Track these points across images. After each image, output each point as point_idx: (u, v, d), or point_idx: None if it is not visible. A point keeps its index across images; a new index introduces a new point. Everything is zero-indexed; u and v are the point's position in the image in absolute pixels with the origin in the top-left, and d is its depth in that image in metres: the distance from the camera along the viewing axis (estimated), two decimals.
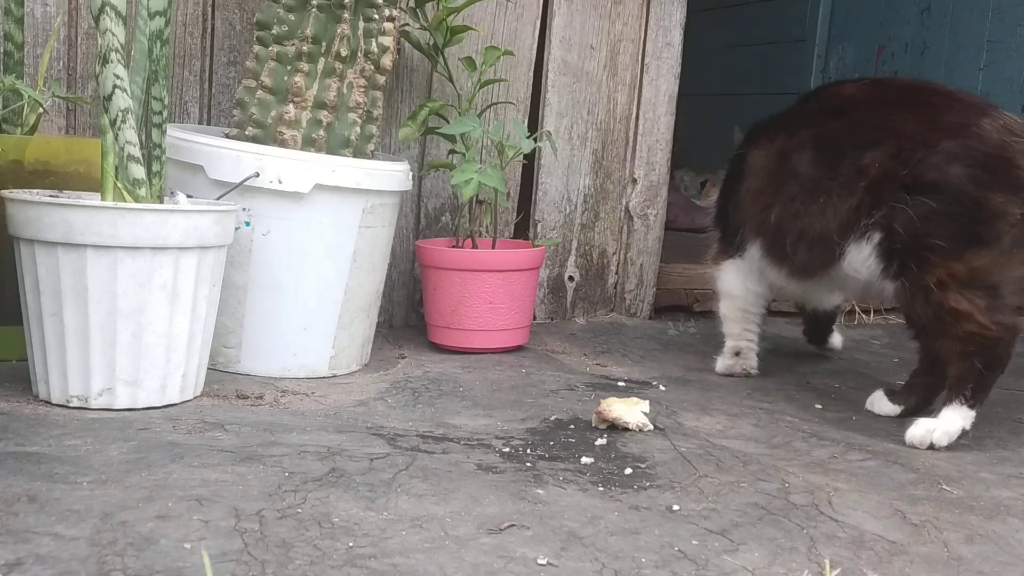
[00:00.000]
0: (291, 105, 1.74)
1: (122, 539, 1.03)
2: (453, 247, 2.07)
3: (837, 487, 1.35)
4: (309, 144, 1.75)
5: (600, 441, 1.50)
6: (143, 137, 1.52)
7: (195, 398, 1.57)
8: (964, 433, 1.57)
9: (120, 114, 1.45)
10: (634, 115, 2.42)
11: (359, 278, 1.78)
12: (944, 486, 1.39)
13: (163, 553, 1.00)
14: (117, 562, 0.98)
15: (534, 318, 2.27)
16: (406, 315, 2.25)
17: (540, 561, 1.05)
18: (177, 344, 1.51)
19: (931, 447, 1.55)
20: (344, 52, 1.74)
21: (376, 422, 1.52)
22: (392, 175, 1.79)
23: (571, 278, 2.40)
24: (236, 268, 1.69)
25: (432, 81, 2.19)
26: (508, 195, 2.24)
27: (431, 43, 2.01)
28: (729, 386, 1.92)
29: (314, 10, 1.72)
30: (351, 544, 1.06)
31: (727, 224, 1.97)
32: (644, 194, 2.45)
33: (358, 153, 1.80)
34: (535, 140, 2.05)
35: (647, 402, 1.59)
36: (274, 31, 1.74)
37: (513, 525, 1.14)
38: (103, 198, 1.49)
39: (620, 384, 1.87)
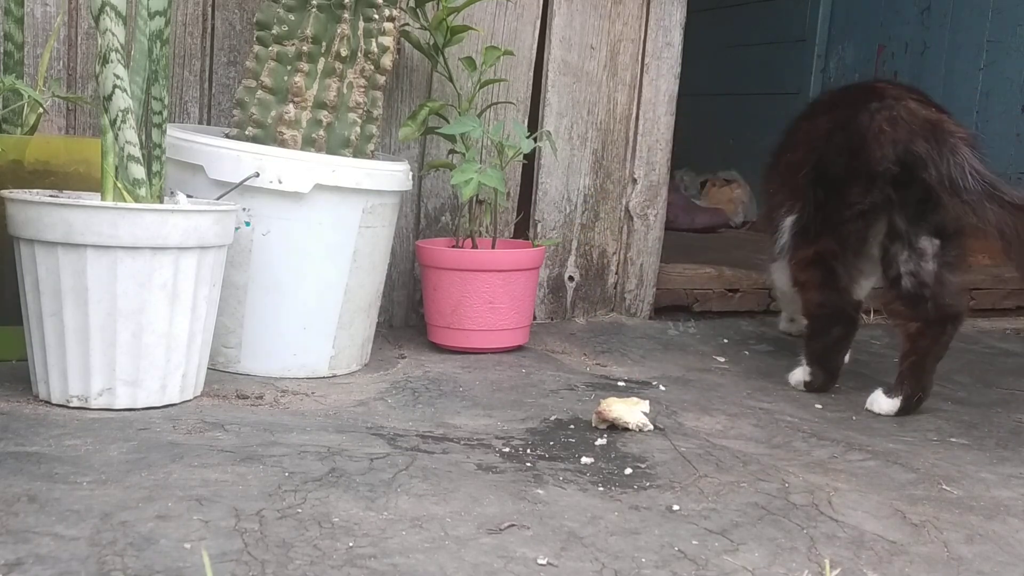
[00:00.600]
0: (291, 105, 1.74)
1: (122, 539, 1.03)
2: (453, 247, 2.07)
3: (837, 487, 1.35)
4: (309, 144, 1.75)
5: (600, 441, 1.50)
6: (143, 137, 1.52)
7: (195, 398, 1.57)
8: (807, 384, 1.89)
9: (120, 114, 1.45)
10: (634, 115, 2.42)
11: (359, 278, 1.78)
12: (944, 486, 1.39)
13: (163, 553, 1.00)
14: (117, 562, 0.98)
15: (534, 318, 2.27)
16: (406, 315, 2.25)
17: (540, 561, 1.05)
18: (177, 344, 1.51)
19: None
20: (344, 52, 1.74)
21: (376, 422, 1.52)
22: (392, 175, 1.79)
23: (571, 278, 2.40)
24: (236, 268, 1.69)
25: (432, 81, 2.19)
26: (508, 195, 2.24)
27: (431, 43, 2.01)
28: (729, 386, 1.92)
29: (314, 10, 1.72)
30: (351, 544, 1.06)
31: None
32: (644, 194, 2.45)
33: (358, 153, 1.80)
34: (535, 140, 2.05)
35: (647, 402, 1.59)
36: (274, 31, 1.74)
37: (513, 525, 1.14)
38: (103, 198, 1.49)
39: (620, 384, 1.87)
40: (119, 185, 1.48)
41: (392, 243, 1.91)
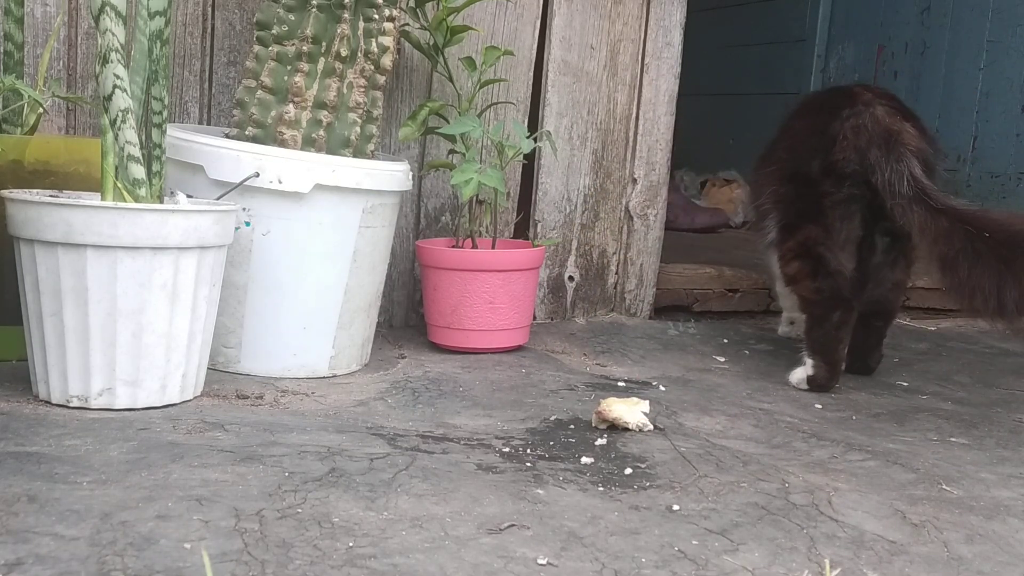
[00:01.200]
0: (291, 105, 1.74)
1: (122, 539, 1.03)
2: (453, 247, 2.07)
3: (837, 487, 1.35)
4: (309, 144, 1.75)
5: (600, 441, 1.50)
6: (143, 137, 1.52)
7: (195, 398, 1.57)
8: (810, 380, 1.91)
9: (120, 114, 1.45)
10: (634, 115, 2.42)
11: (359, 278, 1.78)
12: (944, 486, 1.39)
13: (163, 553, 1.00)
14: (117, 562, 0.98)
15: (534, 318, 2.27)
16: (406, 315, 2.25)
17: (540, 561, 1.05)
18: (177, 344, 1.51)
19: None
20: (344, 52, 1.74)
21: (376, 422, 1.52)
22: (392, 175, 1.79)
23: (571, 278, 2.40)
24: (236, 268, 1.69)
25: (432, 81, 2.19)
26: (508, 195, 2.24)
27: (431, 43, 2.01)
28: (729, 386, 1.92)
29: (314, 10, 1.72)
30: (351, 544, 1.06)
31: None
32: (644, 194, 2.45)
33: (358, 153, 1.80)
34: (535, 140, 2.05)
35: (647, 402, 1.59)
36: (274, 31, 1.74)
37: (513, 525, 1.14)
38: (103, 198, 1.49)
39: (620, 384, 1.87)
40: (119, 185, 1.48)
41: (392, 243, 1.91)
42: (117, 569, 0.96)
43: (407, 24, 1.96)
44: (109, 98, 1.45)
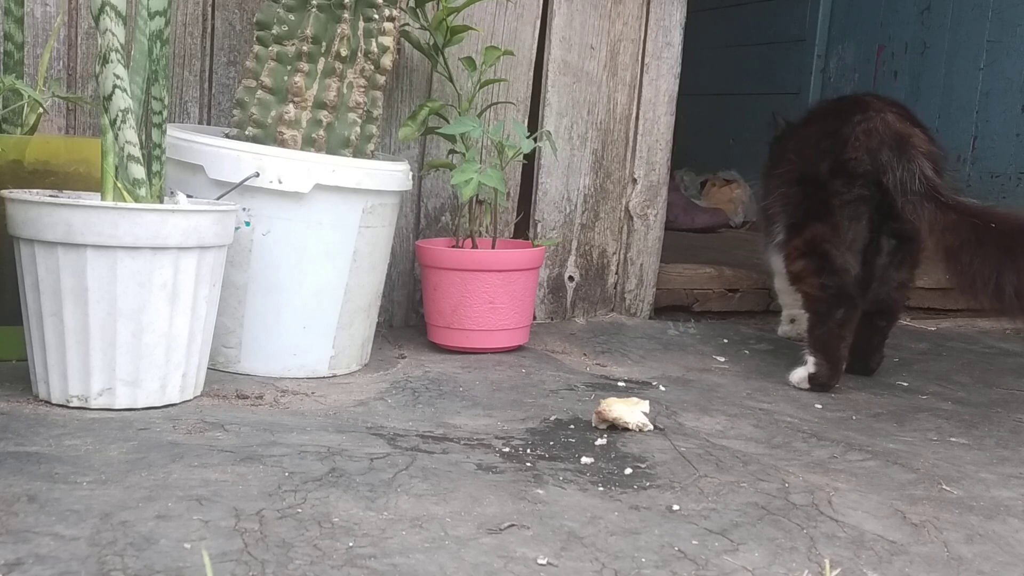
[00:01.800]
0: (291, 105, 1.74)
1: (122, 539, 1.03)
2: (453, 247, 2.07)
3: (837, 487, 1.35)
4: (309, 144, 1.75)
5: (600, 441, 1.50)
6: (143, 137, 1.52)
7: (195, 398, 1.57)
8: (812, 377, 1.92)
9: (120, 114, 1.45)
10: (634, 115, 2.42)
11: (359, 278, 1.78)
12: (944, 486, 1.39)
13: (163, 553, 1.00)
14: (117, 562, 0.98)
15: (534, 318, 2.27)
16: (406, 315, 2.25)
17: (540, 561, 1.05)
18: (177, 344, 1.51)
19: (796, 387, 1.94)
20: (344, 52, 1.74)
21: (376, 422, 1.52)
22: (392, 175, 1.79)
23: (571, 278, 2.40)
24: (236, 268, 1.69)
25: (432, 81, 2.19)
26: (508, 195, 2.24)
27: (431, 43, 2.01)
28: (729, 386, 1.92)
29: (314, 10, 1.72)
30: (351, 544, 1.06)
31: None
32: (644, 194, 2.45)
33: (358, 153, 1.80)
34: (535, 140, 2.05)
35: (647, 402, 1.59)
36: (274, 31, 1.74)
37: (513, 525, 1.14)
38: (103, 198, 1.49)
39: (620, 384, 1.87)
40: (119, 185, 1.48)
41: (392, 243, 1.91)
42: (117, 569, 0.96)
43: (407, 24, 1.96)
44: (109, 98, 1.45)
